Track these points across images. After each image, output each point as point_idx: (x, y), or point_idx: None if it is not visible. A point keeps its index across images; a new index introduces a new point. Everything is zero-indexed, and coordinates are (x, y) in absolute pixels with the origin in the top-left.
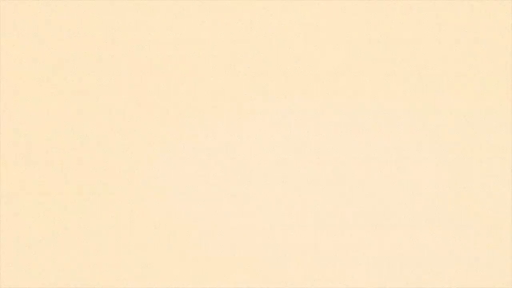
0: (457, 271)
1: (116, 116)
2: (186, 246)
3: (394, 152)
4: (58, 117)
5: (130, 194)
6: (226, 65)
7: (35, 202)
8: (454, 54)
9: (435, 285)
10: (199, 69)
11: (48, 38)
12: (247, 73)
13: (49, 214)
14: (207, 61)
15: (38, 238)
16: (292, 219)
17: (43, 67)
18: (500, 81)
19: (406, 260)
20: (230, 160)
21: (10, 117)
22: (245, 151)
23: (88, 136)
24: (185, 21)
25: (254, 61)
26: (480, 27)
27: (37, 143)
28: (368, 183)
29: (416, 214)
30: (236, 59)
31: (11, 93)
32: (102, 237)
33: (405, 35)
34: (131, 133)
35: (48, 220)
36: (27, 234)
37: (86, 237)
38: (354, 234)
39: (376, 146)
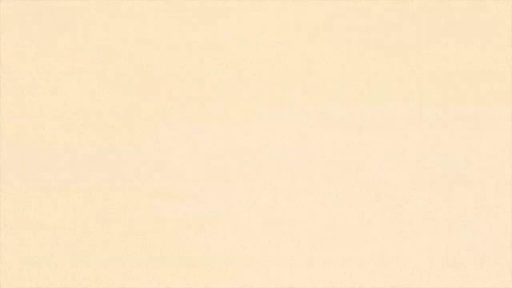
0: (457, 271)
1: (116, 116)
2: (186, 246)
3: (395, 152)
4: (58, 117)
5: (130, 194)
6: (226, 65)
7: (35, 202)
8: (454, 54)
9: (435, 285)
10: (198, 69)
11: (48, 38)
12: (247, 73)
13: (49, 214)
14: (207, 61)
15: (38, 238)
16: (292, 219)
17: (43, 66)
18: (500, 81)
19: (406, 260)
20: (230, 160)
21: (11, 116)
22: (245, 151)
23: (88, 136)
24: (188, 24)
25: (253, 63)
26: (480, 27)
27: (38, 142)
28: (368, 183)
29: (416, 214)
30: (236, 60)
31: (11, 93)
32: (102, 237)
33: (405, 35)
34: (131, 133)
35: (48, 220)
36: (27, 234)
37: (86, 237)
38: (354, 234)
39: (377, 148)
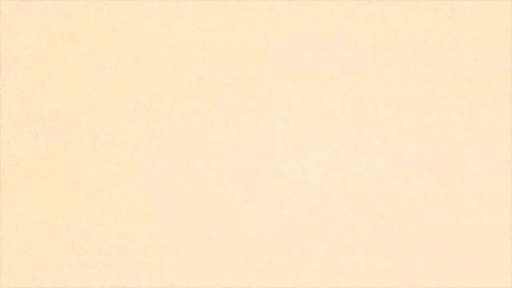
0: (456, 271)
1: (116, 116)
2: (186, 246)
3: (394, 152)
4: (58, 117)
5: (130, 194)
6: (226, 66)
7: (35, 202)
8: (454, 54)
9: (435, 285)
10: (197, 70)
11: (48, 38)
12: (246, 74)
13: (49, 214)
14: (206, 62)
15: (38, 238)
16: (292, 219)
17: (43, 66)
18: (500, 81)
19: (406, 260)
20: (229, 160)
21: (10, 117)
22: (245, 151)
23: (88, 137)
24: (188, 24)
25: (252, 63)
26: (480, 27)
27: (37, 143)
28: (368, 184)
29: (416, 215)
30: (236, 61)
31: (11, 93)
32: (101, 237)
33: (405, 36)
34: (131, 133)
35: (48, 220)
36: (27, 234)
37: (86, 237)
38: (354, 234)
39: (376, 148)
